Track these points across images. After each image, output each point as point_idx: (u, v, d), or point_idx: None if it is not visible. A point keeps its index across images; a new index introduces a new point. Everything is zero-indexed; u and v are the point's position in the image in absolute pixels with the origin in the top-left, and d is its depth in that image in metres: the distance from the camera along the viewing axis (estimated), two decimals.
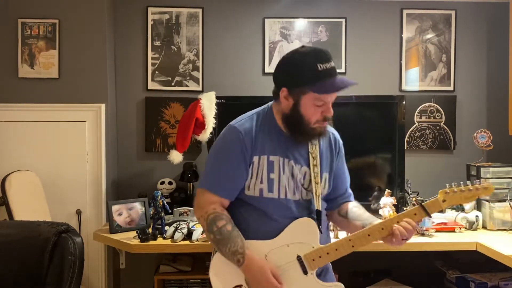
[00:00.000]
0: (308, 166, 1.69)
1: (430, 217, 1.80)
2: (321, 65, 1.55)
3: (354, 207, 1.78)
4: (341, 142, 1.83)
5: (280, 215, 1.65)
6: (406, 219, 1.60)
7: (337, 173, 1.79)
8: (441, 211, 1.67)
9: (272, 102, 1.73)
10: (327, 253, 1.61)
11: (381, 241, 1.64)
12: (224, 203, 1.67)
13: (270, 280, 1.58)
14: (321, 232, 1.66)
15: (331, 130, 1.80)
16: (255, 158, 1.64)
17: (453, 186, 1.63)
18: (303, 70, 1.57)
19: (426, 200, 1.69)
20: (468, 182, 1.65)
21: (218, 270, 1.67)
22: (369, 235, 1.61)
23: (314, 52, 1.59)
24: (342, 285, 1.69)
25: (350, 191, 1.85)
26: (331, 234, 1.81)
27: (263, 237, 1.64)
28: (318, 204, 1.68)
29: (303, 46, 1.65)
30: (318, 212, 1.68)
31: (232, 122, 1.69)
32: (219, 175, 1.66)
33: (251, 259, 1.59)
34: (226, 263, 1.63)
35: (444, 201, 1.63)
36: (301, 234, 1.64)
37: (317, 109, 1.60)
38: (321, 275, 1.72)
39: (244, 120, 1.69)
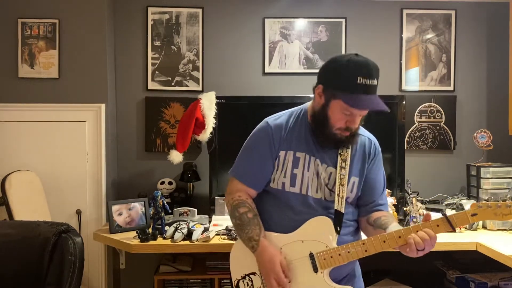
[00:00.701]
0: (335, 167, 1.69)
1: (454, 231, 1.72)
2: (362, 79, 1.54)
3: (384, 216, 1.71)
4: (378, 149, 1.80)
5: (301, 210, 1.67)
6: (425, 229, 1.54)
7: (369, 179, 1.75)
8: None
9: (310, 102, 1.76)
10: (339, 254, 1.61)
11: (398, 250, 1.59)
12: (250, 192, 1.75)
13: (277, 271, 1.59)
14: (338, 233, 1.64)
15: (369, 136, 1.80)
16: (282, 153, 1.70)
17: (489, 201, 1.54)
18: (343, 76, 1.57)
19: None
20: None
21: (237, 254, 1.74)
22: (384, 241, 1.57)
23: (362, 64, 1.56)
24: None
25: (384, 201, 1.79)
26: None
27: (283, 230, 1.68)
28: (340, 205, 1.67)
29: (357, 55, 1.59)
30: (338, 213, 1.66)
31: (267, 117, 1.78)
32: (246, 165, 1.76)
33: (264, 247, 1.63)
34: (246, 249, 1.68)
35: (474, 215, 1.54)
36: (317, 232, 1.64)
37: (343, 117, 1.61)
38: (345, 279, 1.72)
39: (278, 116, 1.77)
